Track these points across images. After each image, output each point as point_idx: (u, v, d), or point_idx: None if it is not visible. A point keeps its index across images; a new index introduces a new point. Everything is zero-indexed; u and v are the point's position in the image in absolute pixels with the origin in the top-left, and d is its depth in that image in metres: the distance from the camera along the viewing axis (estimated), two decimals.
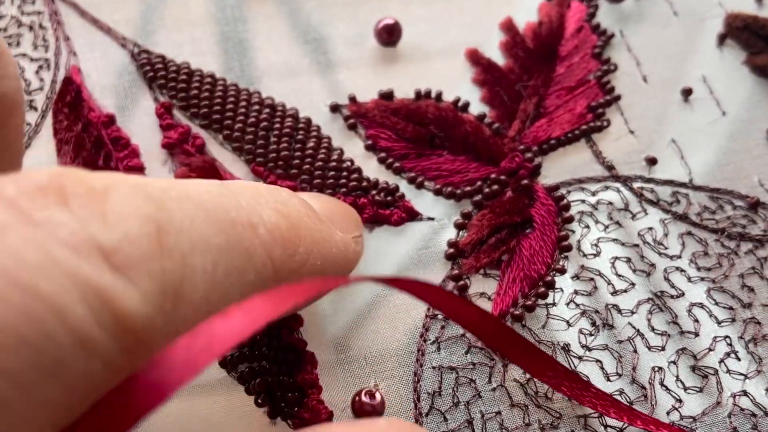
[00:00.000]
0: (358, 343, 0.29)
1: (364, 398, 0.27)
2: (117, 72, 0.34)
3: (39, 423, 0.15)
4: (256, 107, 0.33)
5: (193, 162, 0.31)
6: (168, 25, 0.35)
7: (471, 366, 0.29)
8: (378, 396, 0.27)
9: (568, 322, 0.30)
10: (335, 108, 0.34)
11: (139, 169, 0.32)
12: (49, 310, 0.15)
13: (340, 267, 0.26)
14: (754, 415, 0.28)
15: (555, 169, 0.33)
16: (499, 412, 0.28)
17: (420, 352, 0.29)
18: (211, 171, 0.31)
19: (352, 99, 0.34)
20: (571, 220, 0.32)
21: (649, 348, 0.29)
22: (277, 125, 0.33)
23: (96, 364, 0.16)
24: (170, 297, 0.17)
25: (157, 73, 0.34)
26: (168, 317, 0.17)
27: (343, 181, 0.32)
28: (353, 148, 0.33)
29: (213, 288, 0.19)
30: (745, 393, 0.29)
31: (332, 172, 0.32)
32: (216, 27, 0.36)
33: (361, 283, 0.24)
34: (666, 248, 0.32)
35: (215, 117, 0.33)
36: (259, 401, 0.27)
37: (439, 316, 0.30)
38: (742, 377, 0.29)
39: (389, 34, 0.35)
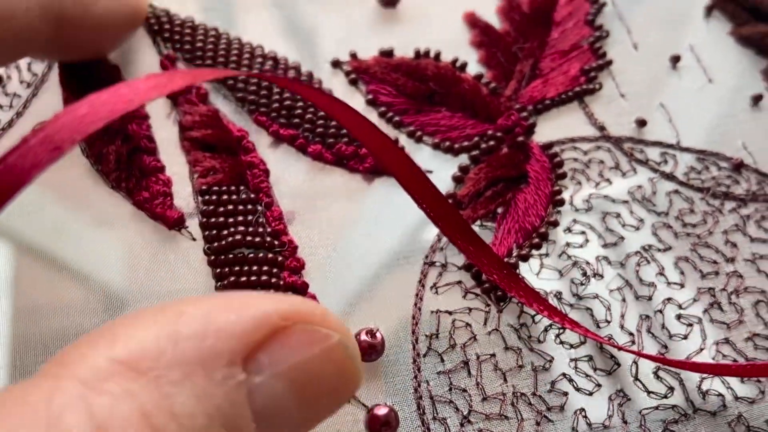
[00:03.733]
0: (358, 287, 0.30)
1: (365, 336, 0.28)
2: None
3: None
4: (260, 59, 0.34)
5: (197, 111, 0.32)
6: None
7: (467, 311, 0.30)
8: (378, 335, 0.28)
9: (560, 271, 0.31)
10: (336, 64, 0.35)
11: (144, 117, 0.32)
12: None
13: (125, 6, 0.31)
14: (735, 361, 0.29)
15: (549, 128, 0.34)
16: (493, 355, 0.29)
17: (418, 297, 0.30)
18: (215, 119, 0.32)
19: (353, 55, 0.35)
20: (564, 176, 0.33)
21: (637, 297, 0.31)
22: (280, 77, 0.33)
23: None
24: None
25: (162, 26, 0.34)
26: None
27: (345, 131, 0.32)
28: (354, 103, 0.33)
29: None
30: (727, 341, 0.30)
31: (334, 122, 0.32)
32: None
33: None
34: (654, 205, 0.33)
35: (219, 69, 0.33)
36: None
37: (437, 264, 0.30)
38: (725, 326, 0.30)
39: None
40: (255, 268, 0.29)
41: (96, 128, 0.18)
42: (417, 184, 0.27)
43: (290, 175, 0.32)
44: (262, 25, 0.35)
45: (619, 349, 0.29)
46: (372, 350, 0.28)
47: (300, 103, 0.33)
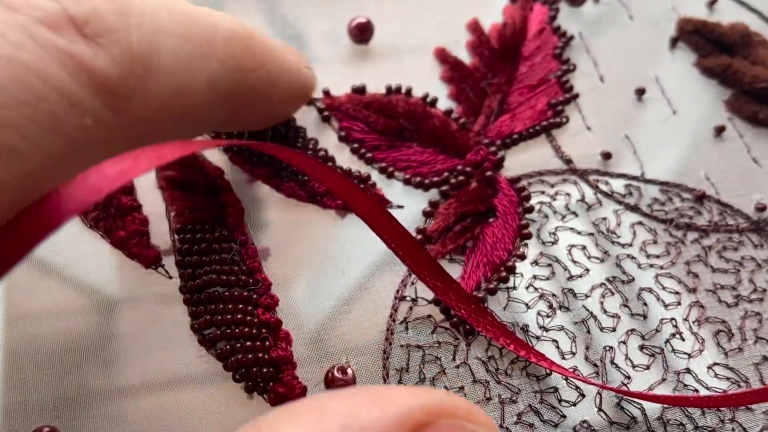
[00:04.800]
0: (331, 322, 0.31)
1: (337, 373, 0.29)
2: None
3: (49, 172, 0.20)
4: None
5: None
6: None
7: (437, 344, 0.31)
8: (350, 371, 0.29)
9: (527, 304, 0.32)
10: (310, 101, 0.35)
11: None
12: (35, 75, 0.19)
13: (295, 81, 0.30)
14: (696, 390, 0.31)
15: (517, 162, 0.35)
16: (462, 387, 0.30)
17: (389, 332, 0.31)
18: (191, 158, 0.33)
19: (326, 93, 0.36)
20: (531, 209, 0.34)
21: (602, 329, 0.32)
22: None
23: (86, 119, 0.20)
24: (141, 64, 0.22)
25: None
26: (141, 82, 0.22)
27: None
28: (327, 140, 0.35)
29: (179, 66, 0.23)
30: (688, 370, 0.31)
31: None
32: None
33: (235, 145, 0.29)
34: (618, 237, 0.34)
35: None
36: (237, 377, 0.29)
37: (408, 298, 0.31)
38: (686, 356, 0.31)
39: (362, 32, 0.37)
40: (230, 306, 0.30)
41: (66, 221, 0.19)
42: (385, 225, 0.28)
43: (265, 213, 0.33)
44: None
45: (584, 381, 0.30)
46: (344, 386, 0.29)
47: (274, 143, 0.33)
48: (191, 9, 0.25)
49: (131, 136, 0.23)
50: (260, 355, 0.29)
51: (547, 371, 0.30)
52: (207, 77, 0.25)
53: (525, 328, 0.31)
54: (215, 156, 0.34)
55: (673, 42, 0.39)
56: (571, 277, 0.33)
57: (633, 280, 0.33)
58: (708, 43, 0.39)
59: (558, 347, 0.31)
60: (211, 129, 0.32)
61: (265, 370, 0.29)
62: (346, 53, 0.37)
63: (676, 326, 0.32)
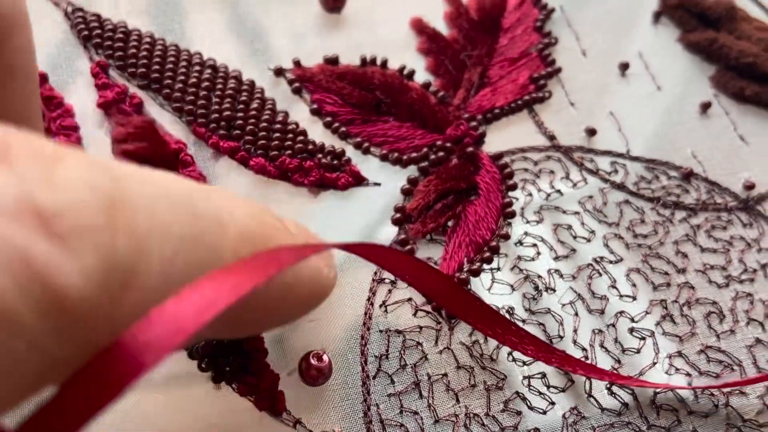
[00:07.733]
0: None
1: (312, 360, 0.27)
2: (49, 30, 0.33)
3: None
4: (198, 68, 0.32)
5: (131, 122, 0.30)
6: None
7: (418, 329, 0.29)
8: (325, 358, 0.27)
9: (512, 286, 0.30)
10: (279, 72, 0.33)
11: (74, 129, 0.30)
12: None
13: (310, 288, 0.24)
14: (688, 374, 0.29)
15: (499, 138, 0.33)
16: (445, 374, 0.28)
17: (367, 316, 0.29)
18: (150, 131, 0.30)
19: (297, 63, 0.33)
20: (514, 187, 0.32)
21: (590, 311, 0.30)
22: (220, 86, 0.32)
23: (18, 344, 0.14)
24: (119, 279, 0.15)
25: (92, 32, 0.32)
26: (115, 301, 0.15)
27: (289, 143, 0.31)
28: (298, 113, 0.33)
29: (170, 278, 0.16)
30: (680, 353, 0.30)
31: (277, 134, 0.31)
32: None
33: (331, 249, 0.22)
34: (605, 216, 0.32)
35: (154, 76, 0.32)
36: (203, 366, 0.27)
37: (386, 280, 0.29)
38: (677, 339, 0.30)
39: (335, 0, 0.35)
40: None
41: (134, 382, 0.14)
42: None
43: (233, 190, 0.30)
44: (202, 30, 0.34)
45: (614, 380, 0.28)
46: (319, 374, 0.27)
47: (240, 114, 0.31)
48: (199, 198, 0.18)
49: (75, 369, 0.15)
50: (228, 342, 0.27)
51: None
52: None
53: (510, 311, 0.30)
54: (177, 128, 0.31)
55: (656, 16, 0.38)
56: (557, 258, 0.31)
57: (621, 260, 0.31)
58: (692, 18, 0.38)
59: (545, 331, 0.29)
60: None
61: (234, 358, 0.27)
62: (317, 22, 0.35)
63: (666, 308, 0.30)
